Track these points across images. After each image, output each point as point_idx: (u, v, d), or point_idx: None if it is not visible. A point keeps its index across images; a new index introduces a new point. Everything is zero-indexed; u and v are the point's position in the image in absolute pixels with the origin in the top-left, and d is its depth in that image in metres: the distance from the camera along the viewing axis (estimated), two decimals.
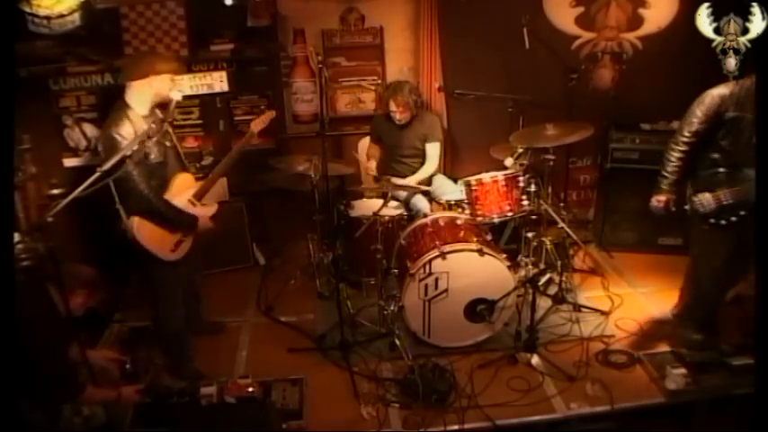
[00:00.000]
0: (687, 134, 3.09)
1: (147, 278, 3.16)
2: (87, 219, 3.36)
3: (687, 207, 3.17)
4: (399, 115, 4.09)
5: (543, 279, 3.86)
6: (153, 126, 2.90)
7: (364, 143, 4.57)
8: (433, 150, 4.23)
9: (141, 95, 2.96)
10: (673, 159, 3.14)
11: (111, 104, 3.02)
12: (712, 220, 3.08)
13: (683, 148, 3.11)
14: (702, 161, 3.14)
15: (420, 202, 4.07)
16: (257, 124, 3.42)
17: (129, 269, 3.80)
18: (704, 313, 3.40)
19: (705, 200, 3.07)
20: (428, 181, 4.27)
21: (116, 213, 2.64)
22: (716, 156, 3.09)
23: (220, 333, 3.76)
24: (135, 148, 2.74)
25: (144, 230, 2.93)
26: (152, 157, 2.96)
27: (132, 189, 2.80)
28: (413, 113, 4.12)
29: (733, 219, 3.04)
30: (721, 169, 3.08)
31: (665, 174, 3.18)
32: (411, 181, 4.12)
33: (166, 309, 3.20)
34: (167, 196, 3.03)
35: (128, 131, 2.84)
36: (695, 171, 3.16)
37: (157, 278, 3.11)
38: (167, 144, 3.10)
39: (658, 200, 3.22)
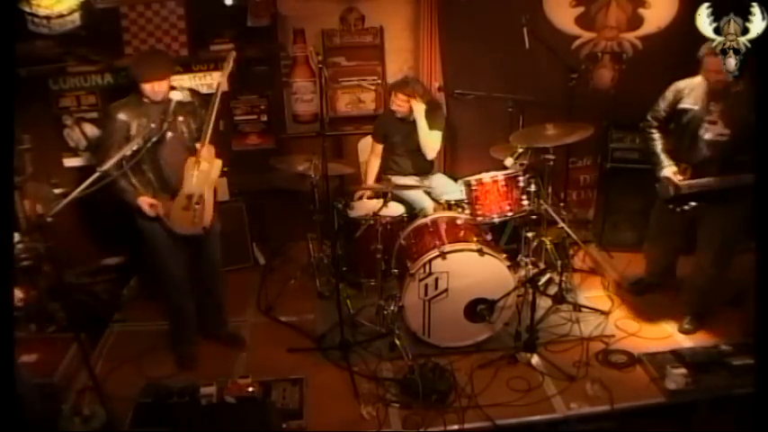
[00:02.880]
0: (649, 118, 3.45)
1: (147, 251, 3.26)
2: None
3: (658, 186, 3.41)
4: (400, 109, 4.04)
5: (543, 279, 3.86)
6: (153, 126, 2.91)
7: (364, 143, 4.56)
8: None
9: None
10: (652, 141, 3.43)
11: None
12: (671, 206, 3.35)
13: (650, 131, 3.44)
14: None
15: (425, 201, 4.05)
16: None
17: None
18: (658, 268, 3.91)
19: (665, 187, 3.34)
20: (429, 167, 4.27)
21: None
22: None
23: (236, 347, 3.58)
24: (135, 148, 2.79)
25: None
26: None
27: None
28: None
29: (686, 207, 3.29)
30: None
31: (656, 152, 3.40)
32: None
33: (162, 274, 3.28)
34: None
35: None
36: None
37: (148, 239, 3.19)
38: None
39: (674, 172, 3.30)
